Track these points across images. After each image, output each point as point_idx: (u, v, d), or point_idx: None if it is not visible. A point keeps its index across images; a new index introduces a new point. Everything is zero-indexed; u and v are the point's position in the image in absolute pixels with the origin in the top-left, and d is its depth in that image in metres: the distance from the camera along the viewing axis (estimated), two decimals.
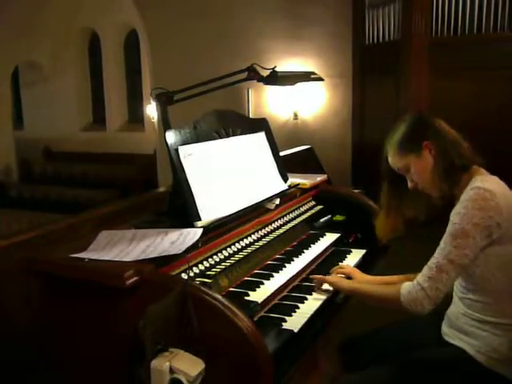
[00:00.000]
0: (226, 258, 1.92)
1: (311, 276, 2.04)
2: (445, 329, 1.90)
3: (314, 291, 1.95)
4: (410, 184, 1.91)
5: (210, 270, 1.80)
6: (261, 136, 2.48)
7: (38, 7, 9.81)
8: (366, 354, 2.05)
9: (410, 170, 1.89)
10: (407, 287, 1.74)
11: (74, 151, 10.87)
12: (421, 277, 1.72)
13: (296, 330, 1.66)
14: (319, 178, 2.82)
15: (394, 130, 1.94)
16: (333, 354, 2.20)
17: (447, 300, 1.83)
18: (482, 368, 1.74)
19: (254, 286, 1.85)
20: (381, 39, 5.88)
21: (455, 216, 1.70)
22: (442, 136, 1.85)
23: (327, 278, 1.97)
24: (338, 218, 2.63)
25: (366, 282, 2.01)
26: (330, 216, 2.63)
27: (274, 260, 2.12)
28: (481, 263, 1.71)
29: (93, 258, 1.63)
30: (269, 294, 1.82)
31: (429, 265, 1.72)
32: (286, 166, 2.57)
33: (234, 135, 2.29)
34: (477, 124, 4.87)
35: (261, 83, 2.26)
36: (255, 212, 2.19)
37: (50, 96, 11.16)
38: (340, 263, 2.23)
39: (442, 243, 1.72)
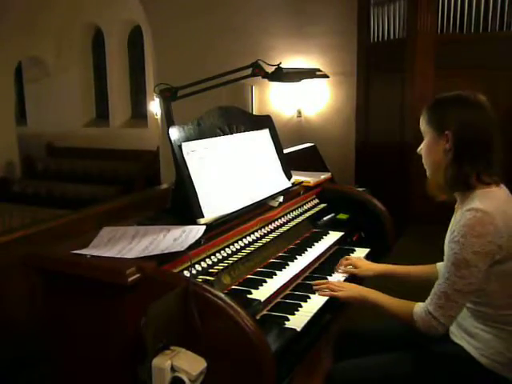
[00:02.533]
0: (229, 255, 1.91)
1: (317, 288, 1.94)
2: (452, 328, 1.87)
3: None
4: (419, 149, 1.86)
5: (212, 268, 1.79)
6: (265, 133, 2.46)
7: (41, 3, 9.80)
8: (365, 346, 2.03)
9: (425, 139, 1.83)
10: (419, 314, 1.70)
11: (77, 147, 10.88)
12: (431, 305, 1.68)
13: (299, 329, 1.65)
14: (323, 175, 2.80)
15: (444, 96, 1.81)
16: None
17: None
18: (485, 370, 1.72)
19: (257, 284, 1.83)
20: (386, 37, 5.85)
21: (454, 244, 1.64)
22: (468, 137, 1.70)
23: (335, 294, 1.89)
24: (342, 216, 2.62)
25: (377, 292, 1.91)
26: (333, 214, 2.62)
27: (277, 258, 2.10)
28: (482, 280, 1.67)
29: (95, 254, 1.62)
30: (271, 292, 1.80)
31: (437, 292, 1.68)
32: (289, 164, 2.55)
33: (237, 132, 2.28)
34: None
35: (264, 80, 2.25)
36: (258, 209, 2.18)
37: (53, 92, 11.18)
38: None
39: (445, 271, 1.68)
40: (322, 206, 2.67)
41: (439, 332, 1.70)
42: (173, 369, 1.35)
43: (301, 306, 1.80)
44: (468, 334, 1.79)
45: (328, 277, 2.07)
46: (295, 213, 2.46)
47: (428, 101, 1.87)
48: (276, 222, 2.29)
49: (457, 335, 1.84)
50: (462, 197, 1.76)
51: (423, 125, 1.84)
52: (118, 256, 1.60)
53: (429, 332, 1.70)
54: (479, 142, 1.72)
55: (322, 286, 1.93)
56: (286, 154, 2.70)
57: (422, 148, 1.86)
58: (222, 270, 1.81)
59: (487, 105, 1.76)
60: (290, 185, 2.46)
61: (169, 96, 2.14)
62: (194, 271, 1.69)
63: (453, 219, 1.86)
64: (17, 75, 11.03)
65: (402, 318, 1.78)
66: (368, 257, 2.35)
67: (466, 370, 1.76)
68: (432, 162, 1.81)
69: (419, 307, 1.72)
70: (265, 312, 1.75)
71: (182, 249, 1.63)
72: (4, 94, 9.88)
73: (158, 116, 8.92)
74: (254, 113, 6.70)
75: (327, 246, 2.32)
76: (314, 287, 1.93)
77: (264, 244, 2.10)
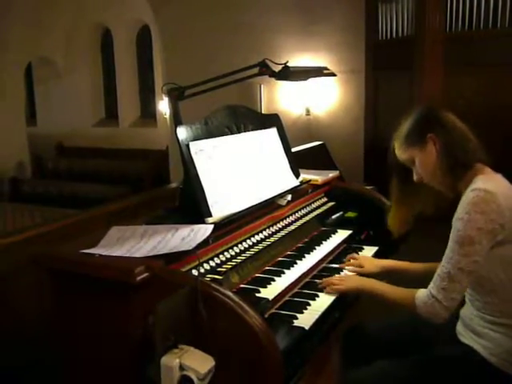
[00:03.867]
0: (237, 254, 1.91)
1: (320, 286, 1.95)
2: (459, 328, 1.87)
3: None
4: (415, 177, 1.90)
5: (220, 267, 1.79)
6: (272, 132, 2.46)
7: (50, 3, 9.84)
8: (373, 344, 2.05)
9: (414, 163, 1.88)
10: (422, 298, 1.72)
11: (87, 147, 10.91)
12: (434, 287, 1.70)
13: (307, 328, 1.65)
14: (331, 174, 2.79)
15: (401, 123, 1.93)
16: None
17: (462, 300, 1.81)
18: (494, 370, 1.72)
19: (265, 282, 1.83)
20: (394, 34, 5.83)
21: (458, 222, 1.67)
22: (447, 130, 1.81)
23: (336, 287, 1.90)
24: (350, 214, 2.61)
25: (377, 282, 1.95)
26: (341, 213, 2.61)
27: (286, 256, 2.10)
28: (484, 264, 1.68)
29: (103, 253, 1.63)
30: (280, 290, 1.80)
31: (440, 274, 1.69)
32: (297, 162, 2.55)
33: (245, 131, 2.28)
34: (491, 120, 4.80)
35: (273, 79, 2.24)
36: (266, 208, 2.18)
37: (62, 92, 11.22)
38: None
39: (448, 251, 1.69)
40: (331, 204, 2.67)
41: (442, 317, 1.69)
42: (181, 367, 1.35)
43: (309, 305, 1.80)
44: (476, 334, 1.78)
45: (336, 275, 2.07)
46: (303, 211, 2.46)
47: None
48: (284, 221, 2.29)
49: (465, 336, 1.84)
50: (464, 186, 1.78)
51: (405, 154, 1.90)
52: (127, 255, 1.61)
53: (431, 317, 1.70)
54: (458, 128, 1.82)
55: (324, 283, 1.94)
56: (295, 152, 2.70)
57: (417, 173, 1.89)
58: (230, 268, 1.81)
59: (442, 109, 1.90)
60: (298, 183, 2.46)
61: (176, 95, 2.15)
62: (202, 270, 1.69)
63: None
64: (27, 76, 11.09)
65: (404, 305, 1.79)
66: (376, 255, 2.34)
67: (475, 370, 1.76)
68: (433, 172, 1.84)
69: (421, 292, 1.74)
70: (273, 310, 1.75)
71: (191, 248, 1.63)
72: (14, 95, 9.92)
73: (167, 115, 8.94)
74: (263, 111, 6.70)
75: (335, 244, 2.32)
76: (319, 286, 1.94)
77: (272, 242, 2.10)
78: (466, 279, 1.67)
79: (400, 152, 1.92)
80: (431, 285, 1.72)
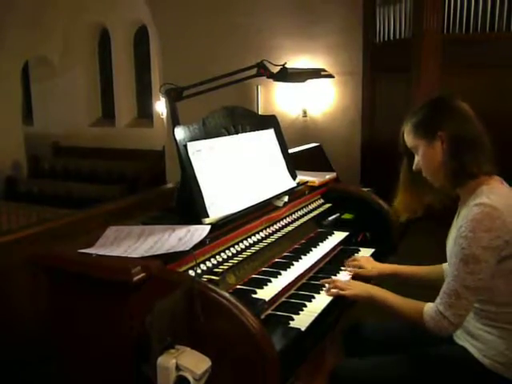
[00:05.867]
0: (234, 255, 1.91)
1: (325, 290, 1.94)
2: None
3: (323, 291, 1.93)
4: (415, 166, 1.87)
5: (217, 268, 1.79)
6: (270, 133, 2.47)
7: (48, 2, 9.83)
8: (371, 343, 2.05)
9: (418, 153, 1.84)
10: (430, 313, 1.69)
11: (83, 147, 10.90)
12: (441, 304, 1.66)
13: (303, 329, 1.65)
14: (328, 175, 2.80)
15: (419, 106, 1.86)
16: (339, 347, 2.19)
17: None
18: (487, 372, 1.72)
19: (262, 283, 1.84)
20: (392, 36, 5.84)
21: (462, 240, 1.64)
22: (460, 131, 1.73)
23: (343, 292, 1.88)
24: (347, 216, 2.62)
25: (385, 291, 1.89)
26: (338, 214, 2.61)
27: (282, 258, 2.11)
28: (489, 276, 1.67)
29: (100, 253, 1.63)
30: (276, 292, 1.81)
31: (446, 291, 1.66)
32: (294, 164, 2.55)
33: (243, 132, 2.28)
34: (489, 123, 4.81)
35: (270, 80, 2.25)
36: (263, 209, 2.18)
37: (59, 91, 11.20)
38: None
39: (453, 269, 1.66)
40: (327, 205, 2.67)
41: (450, 332, 1.69)
42: (178, 368, 1.35)
43: (305, 306, 1.80)
44: (471, 336, 1.78)
45: (333, 276, 2.07)
46: (300, 213, 2.46)
47: None
48: (281, 222, 2.29)
49: (459, 337, 1.84)
50: (464, 193, 1.77)
51: (411, 141, 1.85)
52: (124, 255, 1.61)
53: (439, 332, 1.68)
54: (472, 131, 1.74)
55: (330, 285, 1.93)
56: (292, 153, 2.70)
57: (418, 163, 1.85)
58: (226, 269, 1.81)
59: (461, 102, 1.81)
60: (295, 185, 2.46)
61: (174, 96, 2.15)
62: (198, 271, 1.69)
63: (456, 218, 1.86)
64: (23, 75, 11.06)
65: (412, 318, 1.76)
66: (373, 257, 2.34)
67: (468, 372, 1.76)
68: (434, 169, 1.80)
69: (429, 307, 1.70)
70: (269, 311, 1.75)
71: (187, 248, 1.63)
72: (11, 94, 9.90)
73: (164, 116, 8.94)
74: (259, 113, 6.70)
75: (332, 245, 2.32)
76: (321, 281, 1.94)
77: (269, 244, 2.10)
78: (473, 296, 1.65)
79: (408, 138, 1.85)
80: (438, 301, 1.69)
